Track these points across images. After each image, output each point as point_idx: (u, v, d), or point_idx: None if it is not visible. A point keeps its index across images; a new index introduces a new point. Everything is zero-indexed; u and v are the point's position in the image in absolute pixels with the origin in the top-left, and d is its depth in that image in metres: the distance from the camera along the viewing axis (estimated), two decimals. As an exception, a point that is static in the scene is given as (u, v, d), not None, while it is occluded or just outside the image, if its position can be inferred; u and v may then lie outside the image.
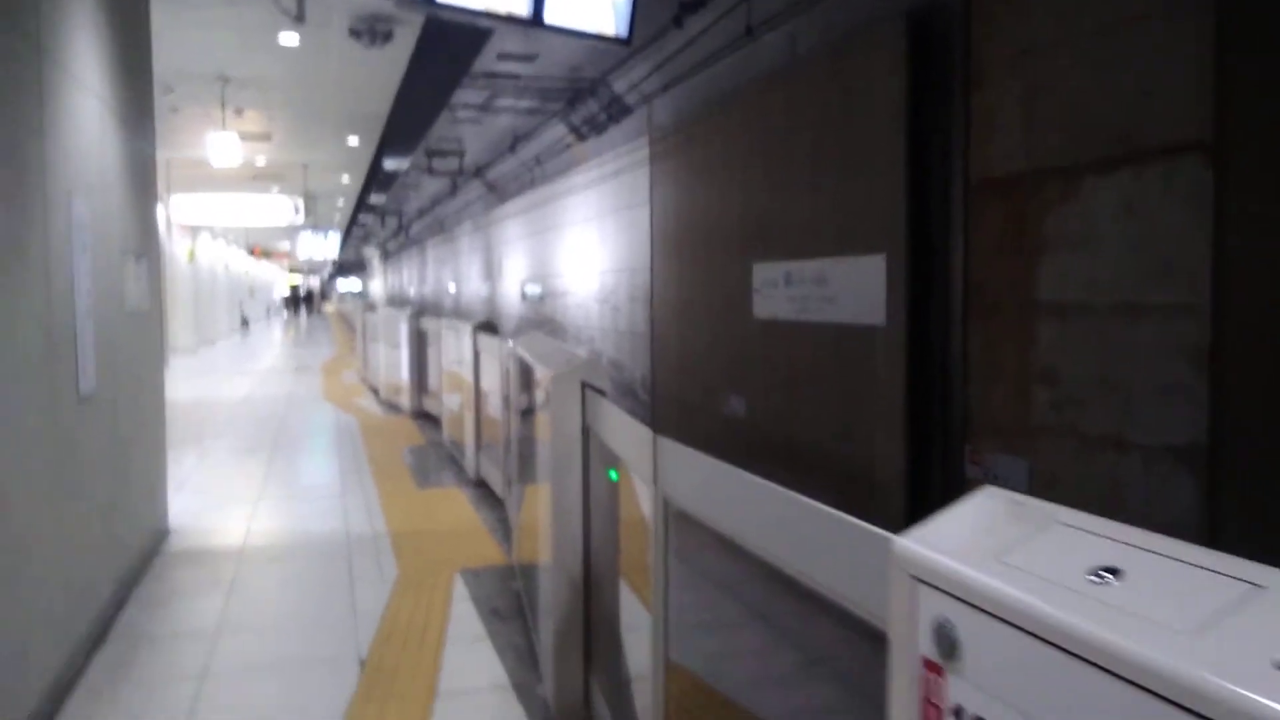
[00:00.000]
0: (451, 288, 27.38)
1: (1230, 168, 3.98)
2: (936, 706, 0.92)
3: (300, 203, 15.90)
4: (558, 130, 14.04)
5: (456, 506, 6.53)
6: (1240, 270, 3.99)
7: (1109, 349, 4.60)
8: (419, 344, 11.07)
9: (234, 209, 16.62)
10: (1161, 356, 4.31)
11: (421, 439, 9.48)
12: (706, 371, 9.05)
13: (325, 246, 25.25)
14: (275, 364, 19.39)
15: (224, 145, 10.27)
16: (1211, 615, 0.70)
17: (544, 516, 3.31)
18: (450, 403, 8.81)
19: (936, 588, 0.93)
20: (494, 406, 6.30)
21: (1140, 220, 4.41)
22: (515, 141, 16.05)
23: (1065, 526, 0.91)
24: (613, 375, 12.37)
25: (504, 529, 5.76)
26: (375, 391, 13.37)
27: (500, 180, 19.29)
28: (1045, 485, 5.06)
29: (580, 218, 14.26)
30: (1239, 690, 0.63)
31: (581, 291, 14.26)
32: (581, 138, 13.30)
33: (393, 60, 8.27)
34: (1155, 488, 4.37)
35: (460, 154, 18.51)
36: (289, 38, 7.76)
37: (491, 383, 6.48)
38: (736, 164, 8.39)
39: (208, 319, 24.14)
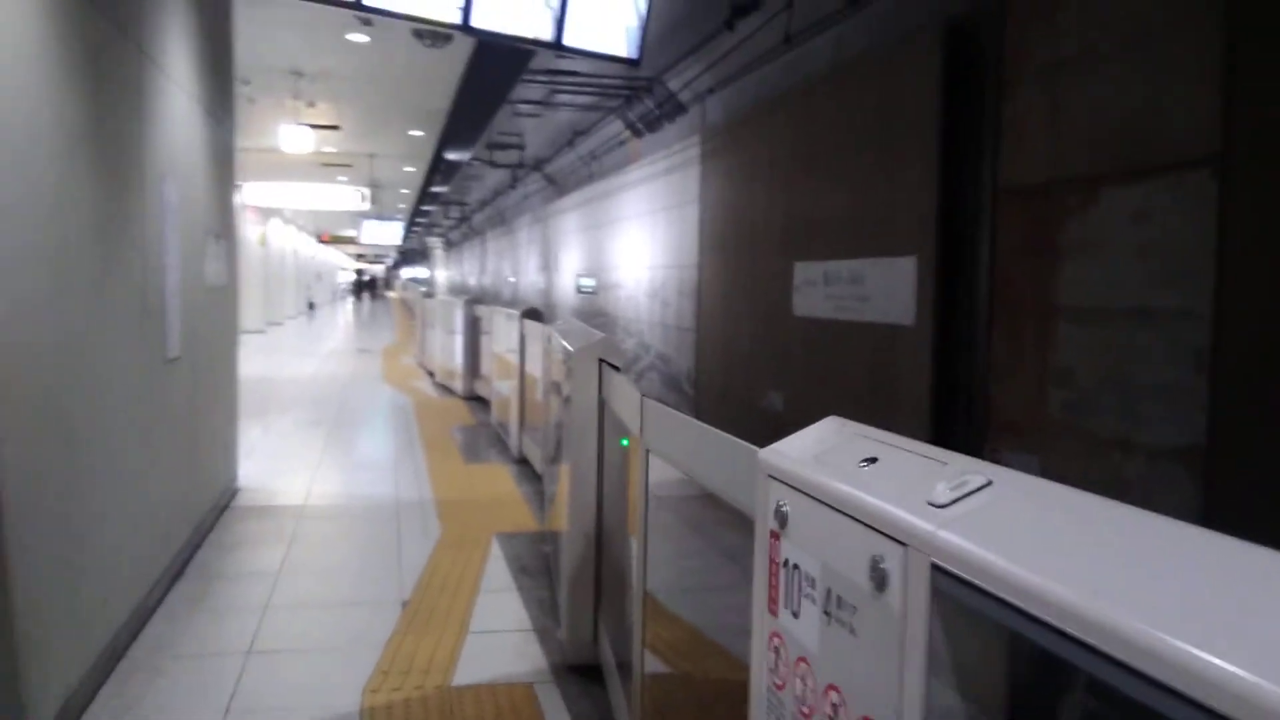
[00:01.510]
0: (510, 279, 28.03)
1: (1235, 181, 4.23)
2: (775, 562, 1.31)
3: (366, 191, 16.57)
4: (614, 126, 14.46)
5: (499, 480, 7.00)
6: (1240, 278, 4.23)
7: (1119, 352, 4.85)
8: (473, 330, 11.60)
9: (303, 195, 17.38)
10: (1166, 359, 4.56)
11: (472, 420, 9.99)
12: (748, 367, 9.40)
13: (389, 234, 26.04)
14: (338, 346, 20.17)
15: (296, 135, 10.90)
16: (910, 483, 1.08)
17: (565, 481, 3.73)
18: (498, 385, 9.30)
19: (777, 480, 1.32)
20: (537, 388, 6.75)
21: (1151, 229, 4.66)
22: (574, 136, 16.53)
23: (863, 438, 1.29)
24: (660, 368, 12.75)
25: (540, 501, 6.21)
26: (431, 375, 13.97)
27: (559, 174, 19.78)
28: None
29: (633, 213, 14.64)
30: (899, 513, 1.02)
31: (632, 285, 14.64)
32: (638, 134, 13.69)
33: (453, 59, 8.77)
34: (1156, 487, 4.63)
35: (521, 147, 19.07)
36: (358, 37, 8.29)
37: (535, 366, 6.93)
38: (781, 164, 8.71)
39: (276, 301, 25.08)
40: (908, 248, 6.60)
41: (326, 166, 16.46)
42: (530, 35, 3.48)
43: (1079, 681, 0.93)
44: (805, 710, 1.22)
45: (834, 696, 1.14)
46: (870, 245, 7.09)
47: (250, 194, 16.74)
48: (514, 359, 7.96)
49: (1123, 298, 4.85)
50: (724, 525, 5.29)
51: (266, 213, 22.25)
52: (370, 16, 4.70)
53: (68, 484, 3.06)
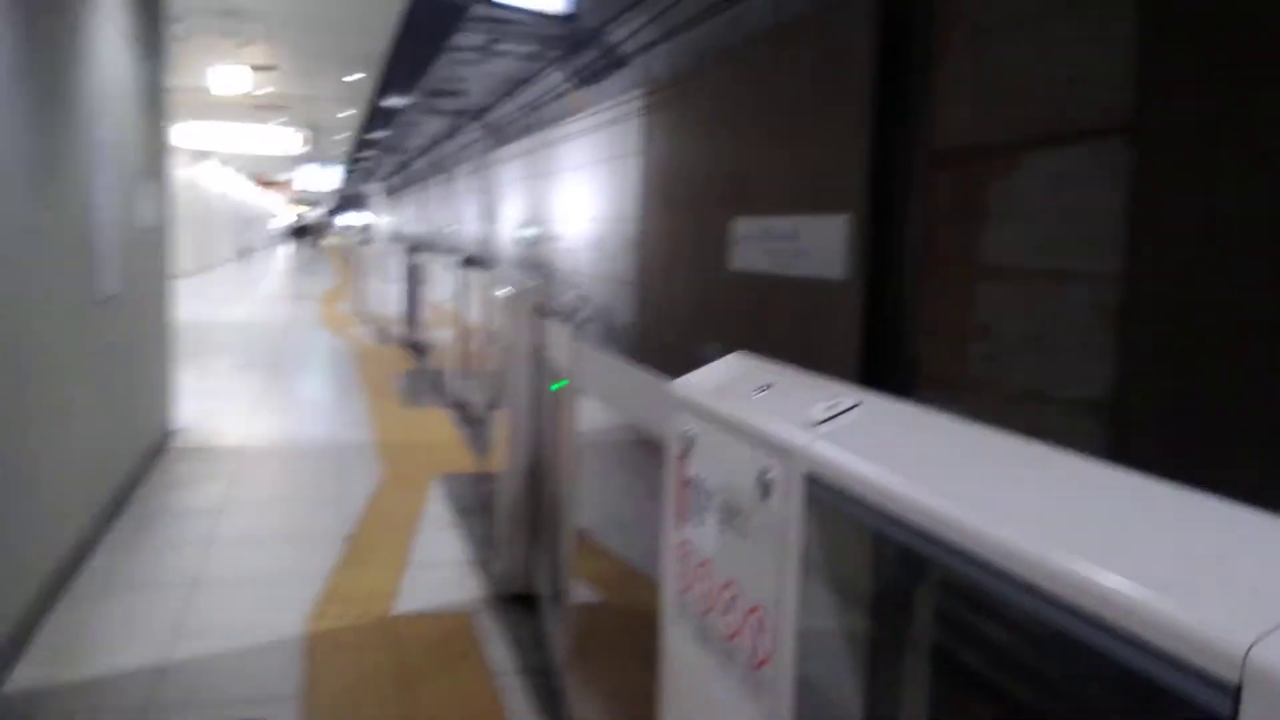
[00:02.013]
0: (450, 227, 27.76)
1: (1147, 149, 4.47)
2: (682, 480, 1.49)
3: (304, 133, 16.27)
4: (556, 77, 14.38)
5: (439, 424, 7.12)
6: (1149, 241, 4.49)
7: (1037, 310, 5.12)
8: (412, 278, 11.58)
9: (238, 137, 16.99)
10: (1081, 317, 4.84)
11: (412, 366, 10.05)
12: (688, 319, 9.59)
13: (327, 179, 25.57)
14: (275, 292, 19.89)
15: (228, 75, 10.68)
16: (794, 406, 1.25)
17: (503, 424, 3.87)
18: (438, 333, 9.36)
19: (684, 407, 1.49)
20: (475, 335, 6.84)
21: (1070, 193, 4.91)
22: (515, 86, 16.38)
23: (761, 370, 1.47)
24: (600, 320, 12.87)
25: (479, 443, 6.35)
26: (371, 322, 13.92)
27: (499, 123, 19.61)
28: None
29: (574, 164, 14.64)
30: (781, 430, 1.20)
31: (573, 237, 14.69)
32: (579, 85, 13.66)
33: (391, 1, 8.66)
34: (1070, 437, 4.92)
35: (461, 94, 18.82)
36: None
37: (474, 312, 7.02)
38: (724, 119, 8.83)
39: (207, 244, 24.55)
40: (842, 205, 6.81)
41: (262, 108, 16.11)
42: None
43: (931, 571, 1.12)
44: (707, 606, 1.41)
45: (729, 592, 1.33)
46: (806, 202, 7.28)
47: (183, 135, 16.33)
48: (452, 306, 8.03)
49: (1042, 258, 5.10)
50: (658, 468, 5.49)
51: (201, 155, 21.68)
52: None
53: (15, 421, 3.12)
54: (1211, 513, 0.78)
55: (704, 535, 1.41)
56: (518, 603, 3.71)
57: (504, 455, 3.80)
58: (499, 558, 3.89)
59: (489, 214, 21.88)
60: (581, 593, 3.20)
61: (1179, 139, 4.31)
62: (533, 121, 16.81)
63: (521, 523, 3.75)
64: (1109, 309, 4.67)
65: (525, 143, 17.79)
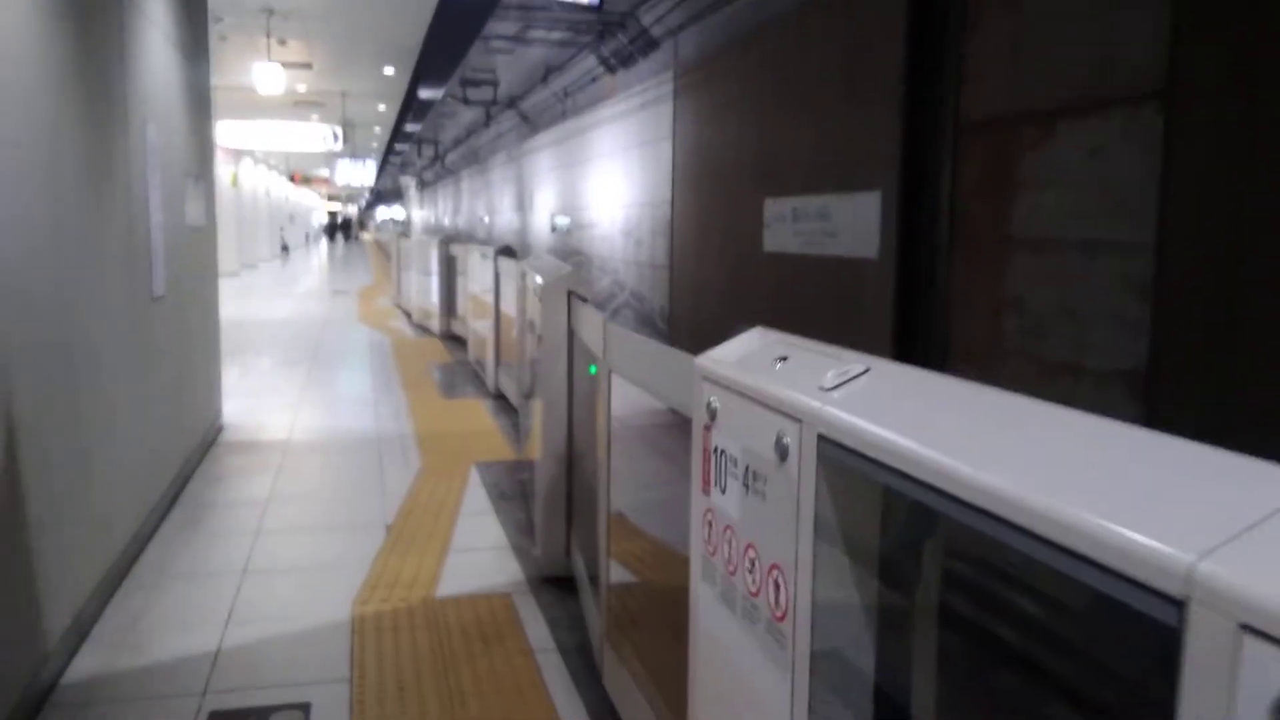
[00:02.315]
0: (485, 218, 27.96)
1: (1178, 117, 4.43)
2: (707, 450, 1.55)
3: (339, 130, 16.48)
4: (588, 62, 14.42)
5: (476, 414, 7.23)
6: (1181, 211, 4.45)
7: (1070, 281, 5.09)
8: (448, 269, 11.72)
9: (276, 135, 17.25)
10: (1113, 288, 4.81)
11: (449, 358, 10.19)
12: (720, 302, 9.62)
13: (363, 174, 25.87)
14: (314, 288, 20.20)
15: (268, 74, 10.86)
16: (809, 374, 1.30)
17: (539, 409, 3.95)
18: (474, 323, 9.48)
19: (708, 380, 1.54)
20: (512, 325, 6.94)
21: (1104, 163, 4.87)
22: (547, 73, 16.44)
23: (779, 343, 1.52)
24: (634, 306, 12.93)
25: (516, 432, 6.45)
26: (408, 315, 14.10)
27: (532, 111, 19.69)
28: None
29: (607, 150, 14.68)
30: (797, 396, 1.25)
31: (607, 224, 14.74)
32: (611, 70, 13.69)
33: (425, -4, 8.77)
34: (1103, 408, 4.91)
35: (494, 84, 18.92)
36: (329, -26, 8.27)
37: (509, 302, 7.11)
38: (752, 101, 8.83)
39: (249, 243, 24.95)
40: (872, 182, 6.79)
41: (299, 105, 16.34)
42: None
43: (935, 523, 1.17)
44: (731, 569, 1.46)
45: (751, 553, 1.39)
46: (837, 181, 7.27)
47: (222, 134, 16.62)
48: (489, 297, 8.13)
49: (1074, 230, 5.07)
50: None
51: (238, 154, 22.03)
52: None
53: (70, 416, 3.25)
54: (1174, 451, 0.83)
55: (728, 502, 1.47)
56: (556, 585, 3.80)
57: (540, 441, 3.88)
58: (537, 542, 3.98)
59: (524, 203, 22.01)
60: (618, 573, 3.27)
61: (1212, 106, 4.27)
62: (566, 108, 16.87)
63: (558, 506, 3.83)
64: (1141, 280, 4.65)
65: (558, 130, 17.87)
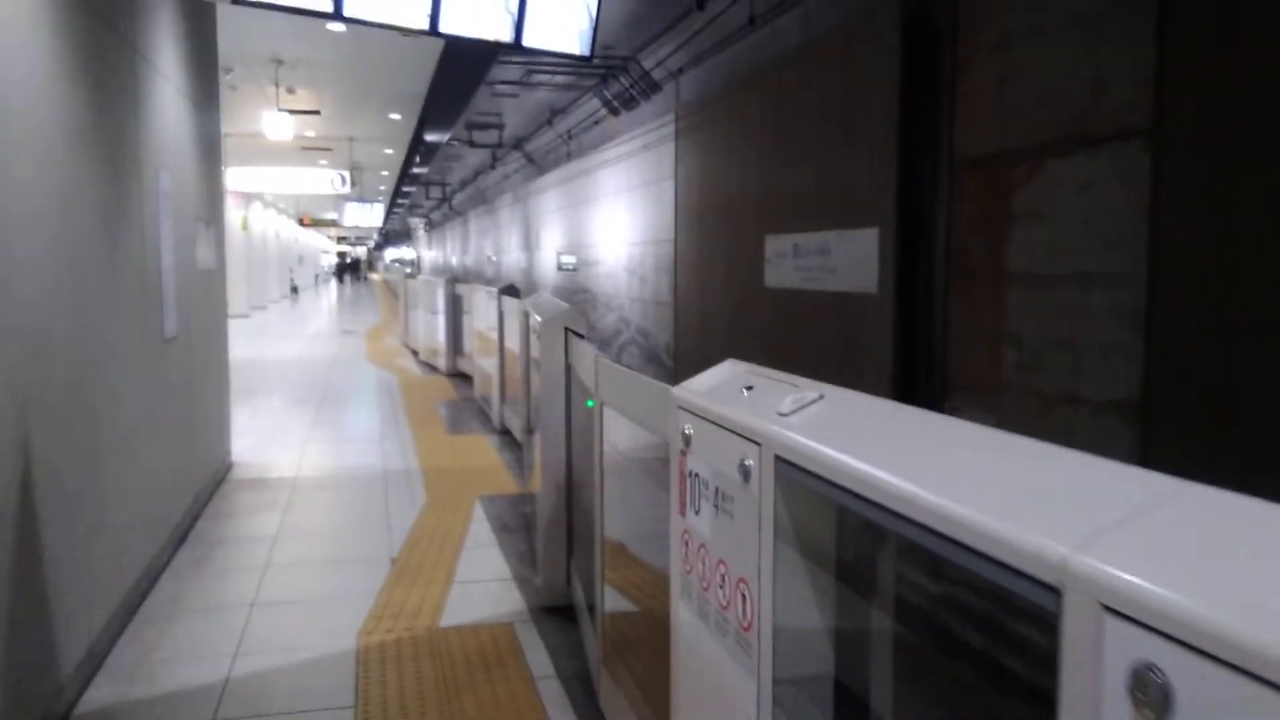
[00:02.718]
0: (493, 257, 28.25)
1: (1166, 154, 4.56)
2: (683, 474, 1.65)
3: (346, 174, 16.76)
4: (591, 104, 14.70)
5: (481, 449, 7.33)
6: (1170, 244, 4.56)
7: (1064, 314, 5.20)
8: (454, 308, 11.88)
9: (284, 179, 17.56)
10: (1106, 320, 4.91)
11: (455, 395, 10.31)
12: (724, 338, 9.74)
13: (371, 216, 26.19)
14: (323, 328, 20.40)
15: (278, 122, 11.12)
16: (771, 402, 1.41)
17: (540, 443, 4.06)
18: (480, 361, 9.61)
19: (683, 409, 1.65)
20: (516, 362, 7.06)
21: (1093, 198, 4.99)
22: (552, 115, 16.75)
23: (748, 373, 1.63)
24: (639, 342, 13.08)
25: (520, 467, 6.55)
26: (415, 353, 14.26)
27: (538, 152, 19.99)
28: None
29: (611, 190, 14.91)
30: (757, 422, 1.35)
31: (612, 261, 14.93)
32: (614, 112, 13.95)
33: (429, 45, 9.00)
34: (1100, 438, 4.99)
35: (500, 127, 19.26)
36: (336, 26, 8.51)
37: (513, 340, 7.24)
38: (753, 140, 9.02)
39: (259, 285, 25.23)
40: (871, 219, 6.93)
41: (307, 150, 16.64)
42: (492, 37, 3.79)
43: (885, 534, 1.27)
44: (705, 585, 1.56)
45: (722, 569, 1.48)
46: (836, 218, 7.42)
47: (232, 179, 16.91)
48: (493, 335, 8.27)
49: (1067, 263, 5.18)
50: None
51: (248, 197, 22.38)
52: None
53: (88, 455, 3.37)
54: (1063, 460, 0.94)
55: (701, 522, 1.57)
56: (557, 614, 3.88)
57: (540, 473, 3.98)
58: (538, 572, 4.06)
59: (530, 242, 22.27)
60: (615, 602, 3.35)
61: (1196, 142, 4.39)
62: (571, 149, 17.14)
63: (558, 537, 3.92)
64: (1133, 311, 4.74)
65: (563, 171, 18.14)
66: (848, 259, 7.33)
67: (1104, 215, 4.93)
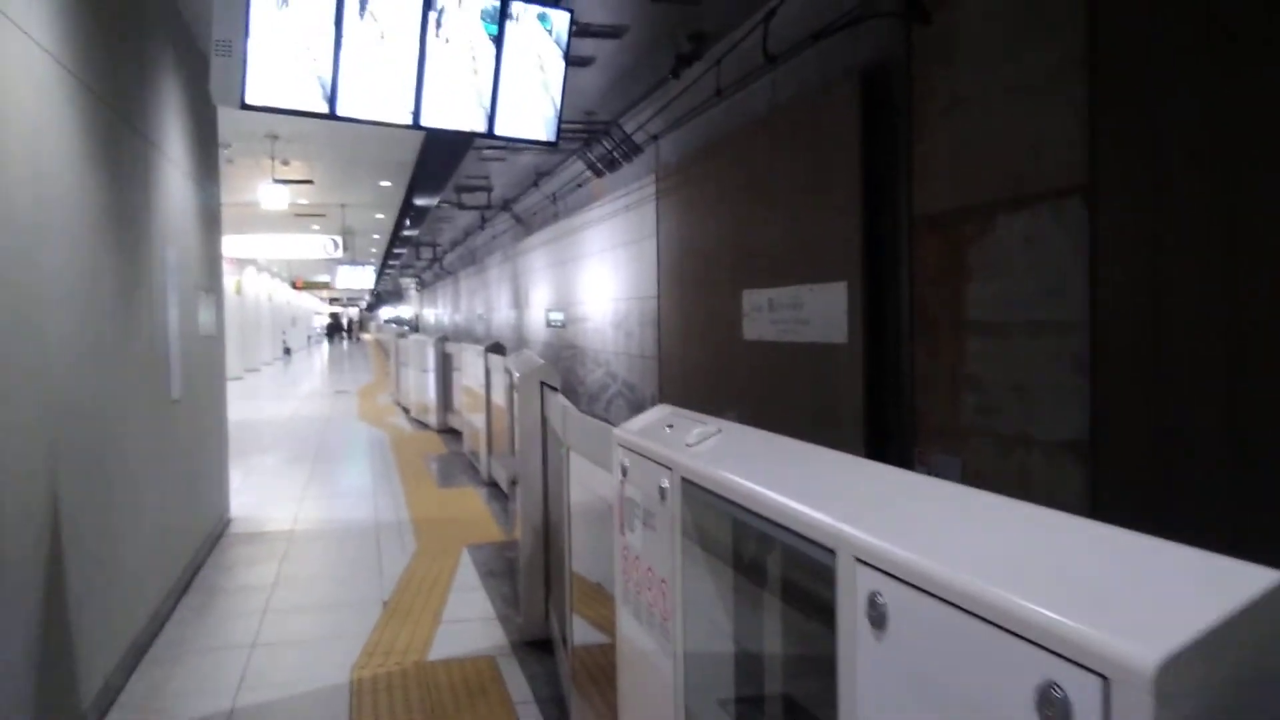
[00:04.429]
0: (482, 315, 28.70)
1: (1100, 209, 4.95)
2: (622, 500, 2.00)
3: (339, 239, 17.23)
4: (576, 167, 15.23)
5: (470, 501, 7.64)
6: (1109, 292, 4.94)
7: (1017, 360, 5.55)
8: (444, 366, 12.24)
9: (278, 245, 18.03)
10: (1054, 365, 5.26)
11: (445, 450, 10.63)
12: (706, 389, 10.09)
13: (362, 277, 26.66)
14: (315, 388, 20.72)
15: (273, 193, 11.59)
16: (683, 436, 1.76)
17: (522, 492, 4.39)
18: (468, 415, 9.94)
19: (621, 446, 2.01)
20: (503, 417, 7.39)
21: (1038, 251, 5.38)
22: (538, 177, 17.30)
23: (673, 414, 1.98)
24: (626, 395, 13.41)
25: (506, 516, 6.86)
26: (406, 411, 14.58)
27: (525, 213, 20.52)
28: (974, 479, 5.84)
29: (597, 249, 15.36)
30: (670, 453, 1.70)
31: (599, 318, 15.32)
32: (598, 174, 14.47)
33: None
34: (1054, 477, 5.31)
35: (488, 189, 19.82)
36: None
37: (499, 395, 7.59)
38: (728, 200, 9.47)
39: (253, 347, 25.58)
40: (839, 273, 7.33)
41: (300, 217, 17.13)
42: (468, 128, 4.21)
43: (773, 541, 1.61)
44: (639, 589, 1.90)
45: (650, 573, 1.82)
46: (807, 272, 7.81)
47: (228, 246, 17.35)
48: (481, 390, 8.62)
49: (1018, 312, 5.54)
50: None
51: (242, 262, 22.85)
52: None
53: (103, 508, 3.70)
54: (854, 467, 1.29)
55: (636, 538, 1.91)
56: (536, 647, 4.18)
57: (520, 518, 4.30)
58: (520, 609, 4.36)
59: (520, 300, 22.72)
60: (589, 634, 3.66)
61: (1129, 196, 4.78)
62: (558, 209, 17.66)
63: (537, 576, 4.24)
64: (1079, 356, 5.10)
65: (550, 230, 18.63)
66: (819, 311, 7.71)
67: (1049, 267, 5.29)
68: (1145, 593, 0.81)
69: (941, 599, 0.92)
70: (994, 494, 1.10)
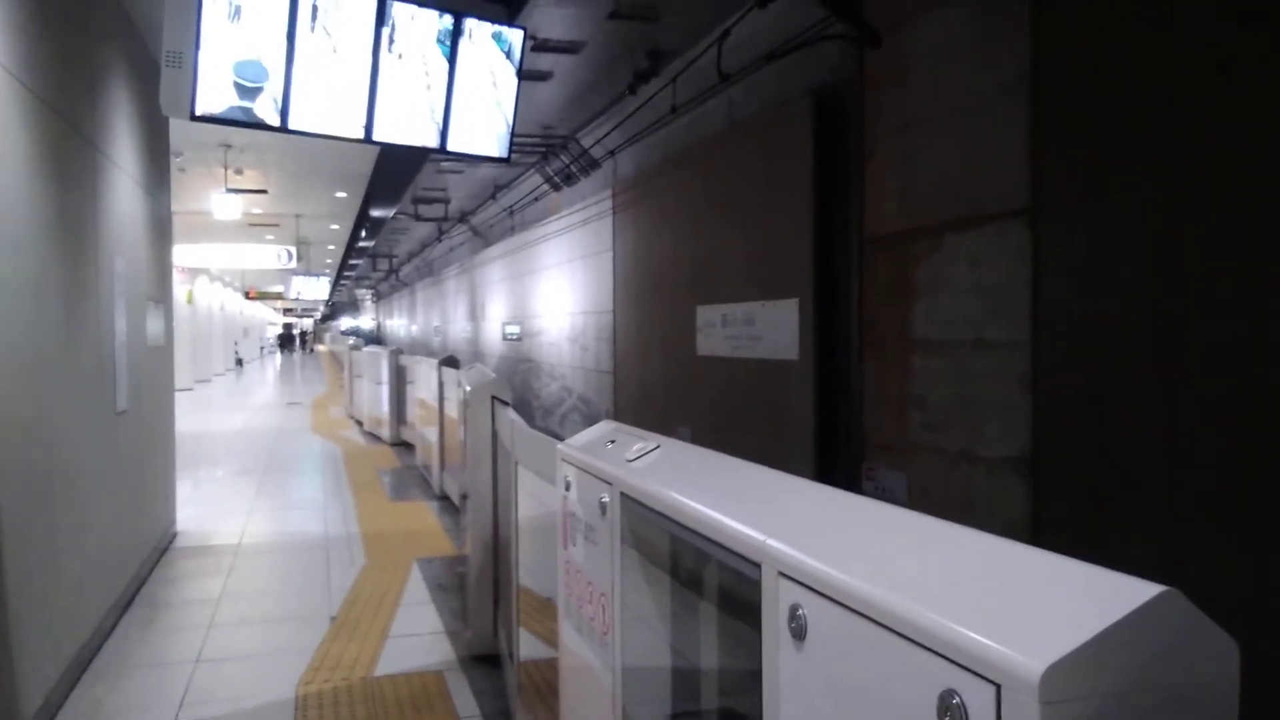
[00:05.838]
0: (439, 328, 28.55)
1: (1042, 230, 5.08)
2: (565, 514, 2.03)
3: (293, 249, 17.07)
4: (534, 180, 15.26)
5: (421, 515, 7.60)
6: (1050, 310, 5.06)
7: (963, 378, 5.67)
8: (399, 379, 12.16)
9: (231, 255, 17.81)
10: (999, 383, 5.38)
11: (398, 463, 10.55)
12: (660, 404, 10.15)
13: (317, 288, 26.38)
14: (268, 400, 20.44)
15: (226, 203, 11.46)
16: (623, 451, 1.80)
17: (469, 503, 4.39)
18: (421, 429, 9.89)
19: (565, 461, 2.04)
20: (456, 430, 7.37)
21: (984, 271, 5.50)
22: (496, 190, 17.29)
23: (616, 430, 2.02)
24: (581, 410, 13.42)
25: (457, 530, 6.84)
26: (359, 423, 14.45)
27: (483, 226, 20.48)
28: (920, 494, 5.94)
29: (553, 262, 15.38)
30: (610, 468, 1.74)
31: (555, 331, 15.34)
32: (555, 188, 14.50)
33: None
34: (997, 492, 5.43)
35: (445, 201, 19.76)
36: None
37: (453, 408, 7.57)
38: (683, 216, 9.56)
39: (204, 357, 25.18)
40: (791, 290, 7.44)
41: (254, 226, 16.94)
42: (420, 144, 4.23)
43: (708, 556, 1.65)
44: (580, 602, 1.93)
45: (591, 587, 1.86)
46: (760, 289, 7.91)
47: (179, 255, 17.10)
48: (434, 404, 8.58)
49: (965, 331, 5.66)
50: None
51: (194, 272, 22.51)
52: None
53: (46, 522, 3.64)
54: (781, 482, 1.34)
55: (578, 552, 1.95)
56: (484, 662, 4.19)
57: (470, 533, 4.31)
58: (469, 624, 4.36)
59: (476, 313, 22.64)
60: (538, 648, 3.67)
61: (1070, 218, 4.92)
62: (515, 223, 17.65)
63: (486, 590, 4.24)
64: (1022, 374, 5.22)
65: (508, 243, 18.62)
66: (771, 328, 7.81)
67: (994, 286, 5.41)
68: (1039, 605, 0.86)
69: (855, 611, 0.97)
70: (912, 511, 1.15)
